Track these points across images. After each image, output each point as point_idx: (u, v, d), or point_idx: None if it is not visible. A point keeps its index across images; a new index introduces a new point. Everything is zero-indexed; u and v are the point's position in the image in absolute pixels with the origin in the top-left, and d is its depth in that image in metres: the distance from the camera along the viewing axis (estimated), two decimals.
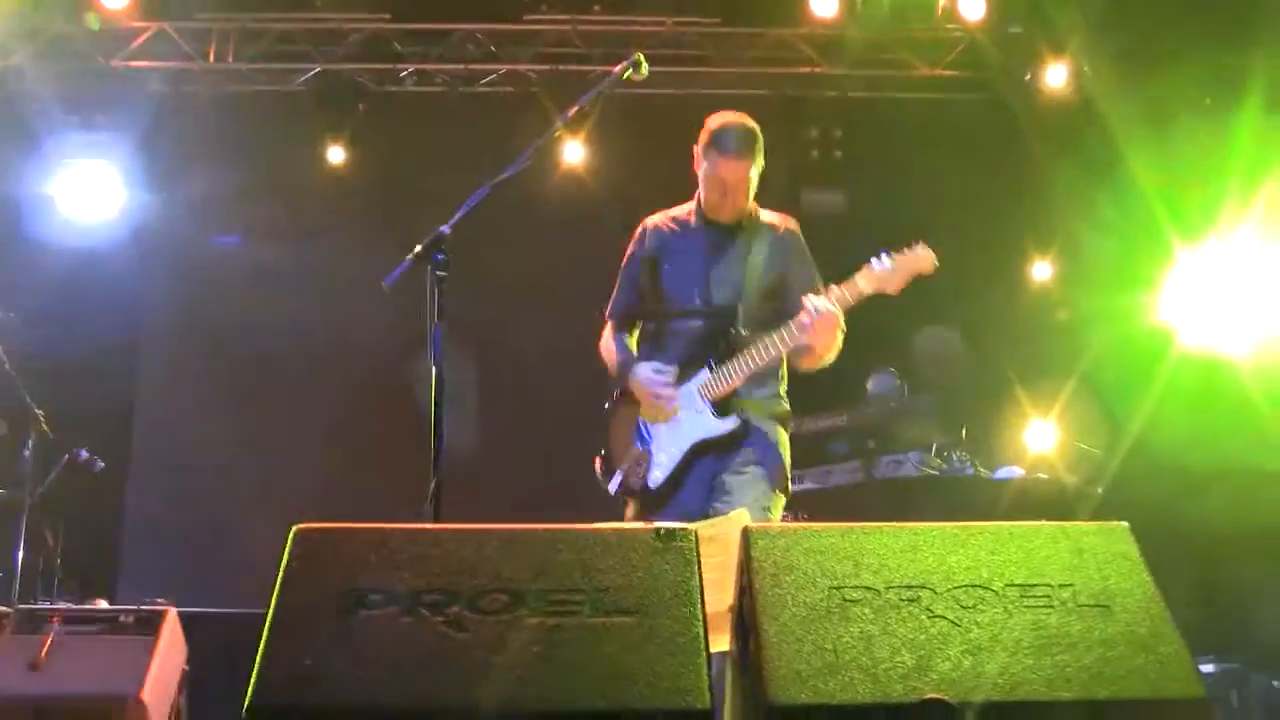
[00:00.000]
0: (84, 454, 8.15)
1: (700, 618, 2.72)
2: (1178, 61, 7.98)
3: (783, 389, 5.20)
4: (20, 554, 7.64)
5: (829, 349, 4.91)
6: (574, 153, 9.79)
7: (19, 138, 9.88)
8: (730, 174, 5.01)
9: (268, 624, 2.69)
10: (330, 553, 2.82)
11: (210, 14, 10.16)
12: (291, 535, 2.85)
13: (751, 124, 5.03)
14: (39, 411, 7.64)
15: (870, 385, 8.18)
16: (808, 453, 7.61)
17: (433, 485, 3.41)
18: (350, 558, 2.80)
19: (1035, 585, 2.85)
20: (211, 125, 10.31)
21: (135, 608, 6.38)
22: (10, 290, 8.88)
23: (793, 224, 5.25)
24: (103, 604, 6.88)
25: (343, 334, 9.85)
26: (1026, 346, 9.53)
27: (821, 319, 4.68)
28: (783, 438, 5.10)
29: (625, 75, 4.57)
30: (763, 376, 5.01)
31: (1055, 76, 9.64)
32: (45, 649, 6.12)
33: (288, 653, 2.64)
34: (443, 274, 3.77)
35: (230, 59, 10.23)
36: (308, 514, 2.96)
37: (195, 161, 10.18)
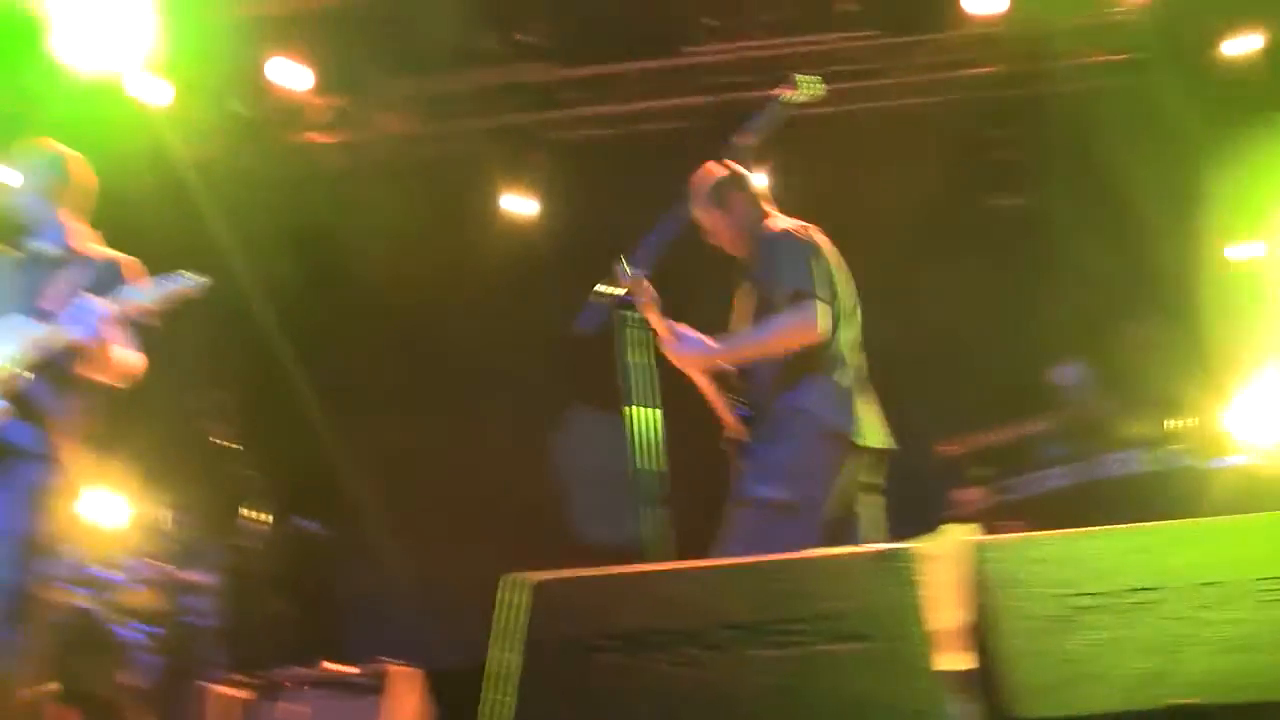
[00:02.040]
0: (306, 524, 8.39)
1: (928, 637, 2.68)
2: None
3: None
4: (256, 624, 7.87)
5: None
6: (758, 181, 9.69)
7: None
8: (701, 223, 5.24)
9: (494, 677, 2.72)
10: (554, 601, 2.84)
11: (382, 82, 10.41)
12: (510, 586, 2.88)
13: (700, 175, 5.30)
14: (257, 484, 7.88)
15: (1058, 377, 8.02)
16: (1019, 459, 7.47)
17: (647, 528, 3.41)
18: (575, 605, 2.82)
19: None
20: (393, 193, 10.57)
21: (363, 669, 6.52)
22: None
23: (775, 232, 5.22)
24: (331, 666, 7.05)
25: (550, 385, 9.93)
26: (1234, 330, 9.22)
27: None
28: None
29: (790, 98, 4.56)
30: None
31: (1234, 48, 9.34)
32: (287, 714, 6.30)
33: (536, 707, 2.66)
34: (630, 314, 3.78)
35: (408, 125, 10.48)
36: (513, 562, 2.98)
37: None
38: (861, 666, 2.62)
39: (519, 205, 10.36)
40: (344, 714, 6.44)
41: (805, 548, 3.48)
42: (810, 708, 2.56)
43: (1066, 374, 7.99)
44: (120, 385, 5.22)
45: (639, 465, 3.54)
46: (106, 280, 5.10)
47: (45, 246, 5.31)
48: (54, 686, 5.22)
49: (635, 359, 3.72)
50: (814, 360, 4.84)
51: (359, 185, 10.79)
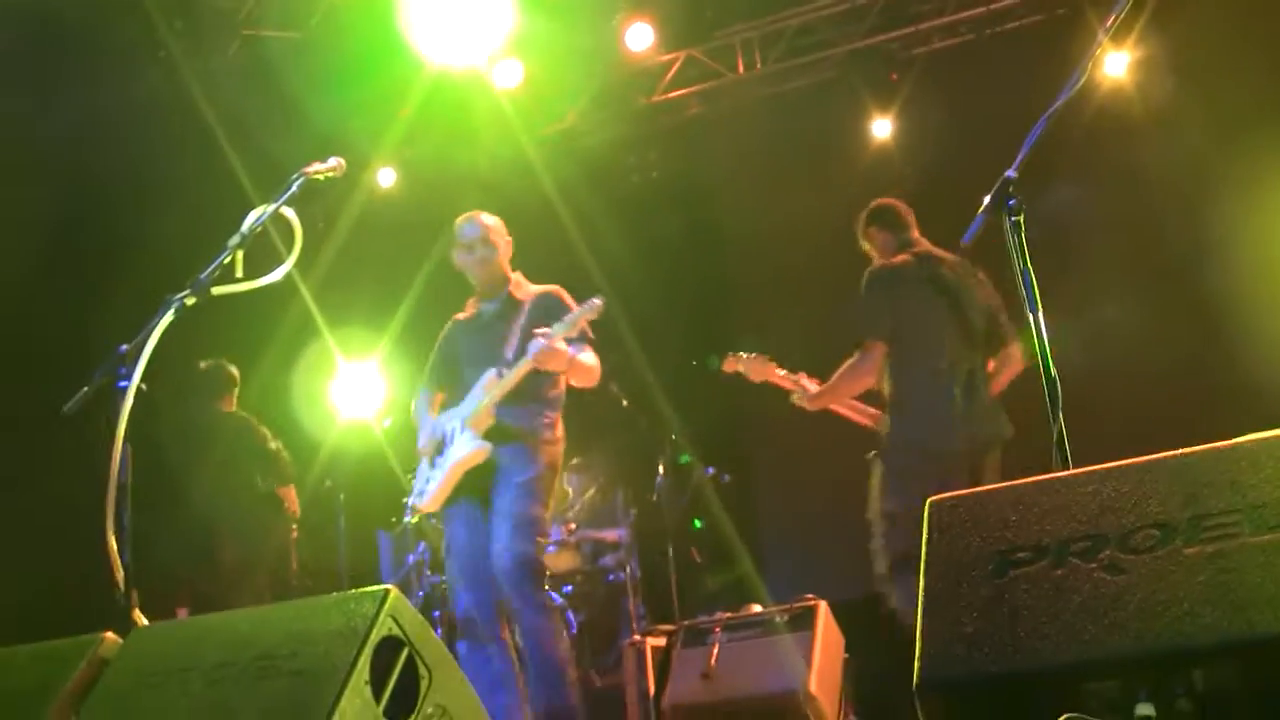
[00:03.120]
0: (710, 471, 8.55)
1: None
2: None
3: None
4: (673, 575, 8.07)
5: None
6: (1116, 64, 9.29)
7: None
8: None
9: (921, 603, 2.69)
10: (968, 518, 2.78)
11: (728, 28, 10.47)
12: (926, 508, 2.84)
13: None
14: (671, 438, 8.06)
15: None
16: None
17: (1056, 432, 3.31)
18: (990, 520, 2.75)
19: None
20: (757, 133, 10.62)
21: (788, 606, 6.58)
22: None
23: None
24: (757, 608, 7.14)
25: None
26: None
27: None
28: None
29: None
30: None
31: None
32: (714, 658, 6.42)
33: (946, 624, 2.63)
34: (1019, 218, 3.64)
35: (758, 66, 10.50)
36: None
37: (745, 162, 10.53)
38: None
39: (883, 128, 10.20)
40: (776, 651, 6.52)
41: None
42: (1248, 602, 2.42)
43: None
44: (590, 386, 6.25)
45: (1048, 373, 3.43)
46: (545, 311, 6.11)
47: (493, 308, 6.29)
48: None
49: (1028, 264, 3.59)
50: None
51: (720, 133, 10.88)
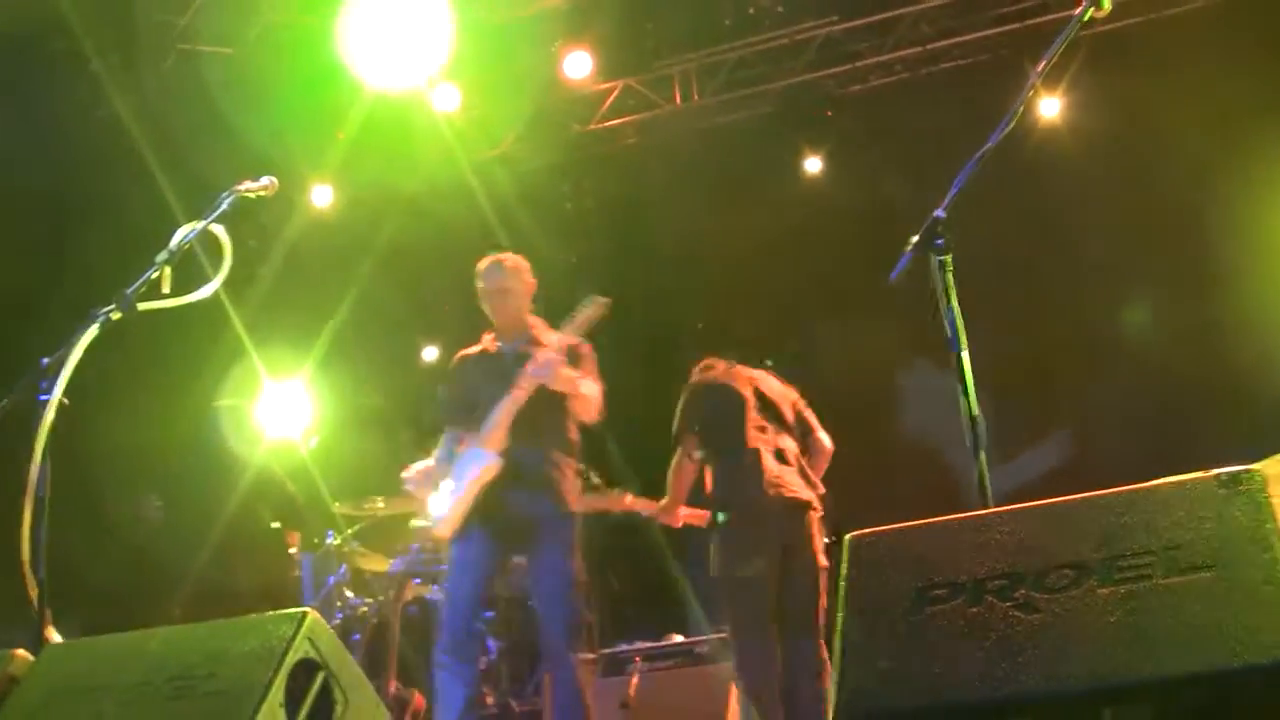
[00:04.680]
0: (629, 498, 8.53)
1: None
2: None
3: None
4: (595, 603, 8.05)
5: None
6: (1050, 108, 9.46)
7: None
8: None
9: (840, 637, 2.71)
10: (887, 555, 2.82)
11: (667, 59, 10.53)
12: (846, 543, 2.86)
13: None
14: (587, 467, 8.03)
15: None
16: None
17: (976, 472, 3.34)
18: (908, 556, 2.78)
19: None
20: (691, 164, 10.66)
21: (710, 637, 6.60)
22: None
23: None
24: (678, 638, 7.15)
25: (849, 339, 9.85)
26: None
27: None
28: None
29: (1087, 15, 4.35)
30: None
31: None
32: (633, 688, 6.43)
33: (862, 660, 2.65)
34: (945, 258, 3.68)
35: (696, 97, 10.56)
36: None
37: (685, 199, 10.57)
38: (1215, 596, 2.50)
39: (815, 164, 10.30)
40: (697, 682, 6.53)
41: None
42: (1157, 643, 2.46)
43: None
44: (590, 420, 6.23)
45: (971, 411, 3.46)
46: (573, 361, 6.12)
47: (514, 349, 6.25)
48: None
49: (954, 303, 3.61)
50: None
51: (655, 163, 10.93)
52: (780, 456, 6.23)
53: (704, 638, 6.73)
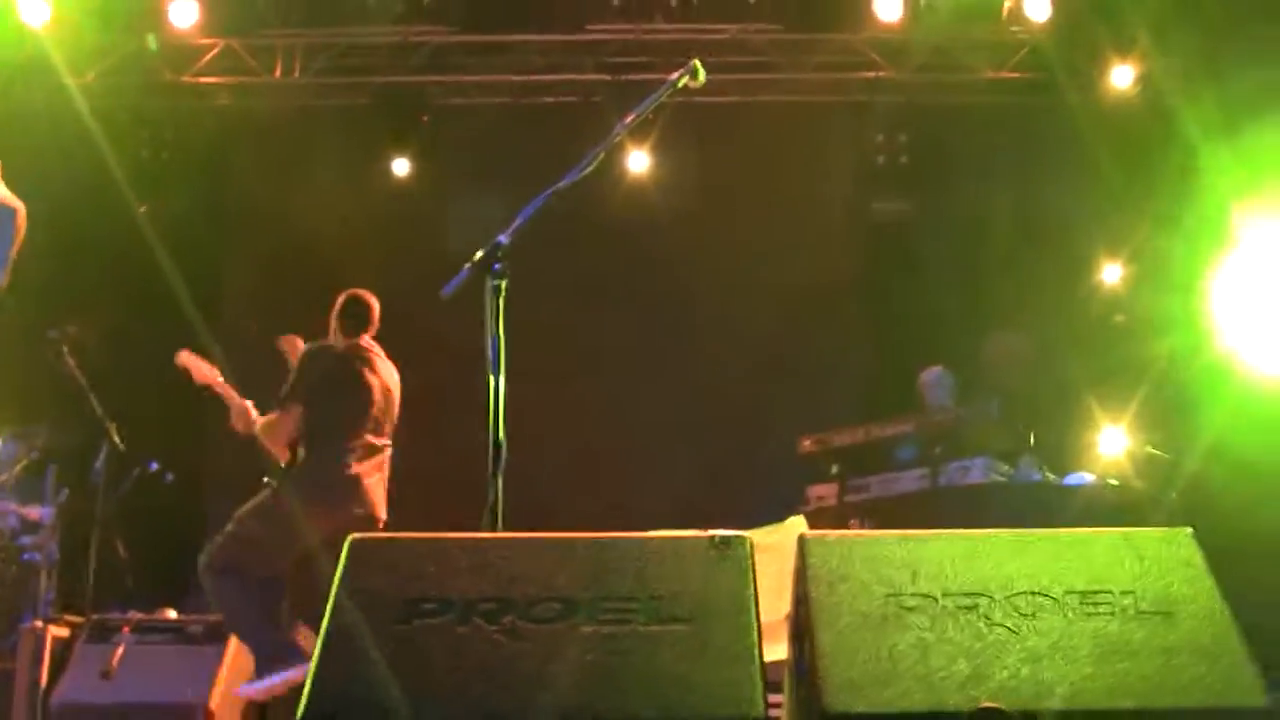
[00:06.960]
0: (154, 466, 8.24)
1: (755, 626, 2.70)
2: (1248, 63, 7.85)
3: None
4: (92, 565, 7.72)
5: None
6: (639, 161, 9.79)
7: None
8: None
9: (323, 634, 2.70)
10: (386, 562, 2.83)
11: (275, 30, 10.27)
12: (347, 546, 2.86)
13: None
14: (110, 424, 7.71)
15: (922, 378, 8.14)
16: (874, 460, 7.56)
17: (491, 496, 3.40)
18: (406, 567, 2.81)
19: (1096, 593, 2.81)
20: (278, 139, 10.45)
21: (204, 618, 6.44)
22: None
23: None
24: (172, 614, 6.94)
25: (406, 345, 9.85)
26: (1097, 351, 9.42)
27: None
28: None
29: (681, 82, 4.53)
30: None
31: (1122, 78, 9.52)
32: (116, 658, 6.20)
33: (343, 663, 2.65)
34: (500, 283, 3.74)
35: (296, 74, 10.34)
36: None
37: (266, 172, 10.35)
38: (689, 648, 2.64)
39: (402, 166, 10.28)
40: (183, 661, 6.36)
41: None
42: (628, 686, 2.57)
43: (930, 378, 8.11)
44: None
45: (497, 436, 3.53)
46: None
47: None
48: None
49: (501, 330, 3.68)
50: None
51: (246, 128, 10.66)
52: None
53: (198, 617, 6.54)
